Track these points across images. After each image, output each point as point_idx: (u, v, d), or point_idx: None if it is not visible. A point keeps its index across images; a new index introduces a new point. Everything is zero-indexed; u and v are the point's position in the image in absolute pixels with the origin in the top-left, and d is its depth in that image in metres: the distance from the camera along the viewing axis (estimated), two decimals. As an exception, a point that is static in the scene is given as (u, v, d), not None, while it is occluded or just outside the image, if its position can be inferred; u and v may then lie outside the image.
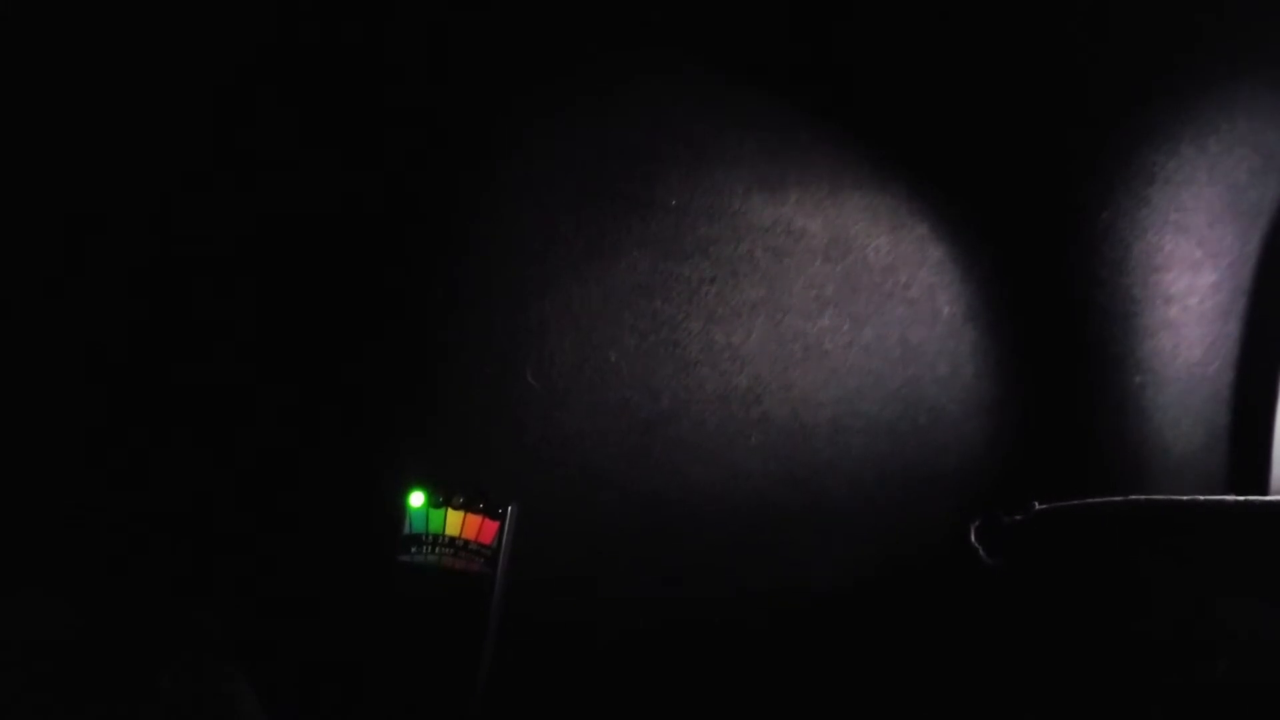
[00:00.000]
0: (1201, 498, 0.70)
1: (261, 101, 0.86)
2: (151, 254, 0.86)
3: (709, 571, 0.86)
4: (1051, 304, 0.90)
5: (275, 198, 0.86)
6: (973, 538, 0.80)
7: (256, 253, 0.86)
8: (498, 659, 0.81)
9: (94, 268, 0.85)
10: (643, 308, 0.86)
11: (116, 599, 0.81)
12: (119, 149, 0.84)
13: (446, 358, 0.84)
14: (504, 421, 0.84)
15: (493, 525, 0.82)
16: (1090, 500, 0.75)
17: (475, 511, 0.82)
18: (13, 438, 0.84)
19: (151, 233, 0.86)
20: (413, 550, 0.81)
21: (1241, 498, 0.69)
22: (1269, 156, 0.87)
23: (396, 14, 0.85)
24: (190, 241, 0.86)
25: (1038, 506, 0.78)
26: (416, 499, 0.82)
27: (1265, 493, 0.90)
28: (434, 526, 0.82)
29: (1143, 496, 0.73)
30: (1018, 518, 0.79)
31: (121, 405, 0.85)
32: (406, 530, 0.82)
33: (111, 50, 0.82)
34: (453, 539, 0.81)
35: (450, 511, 0.82)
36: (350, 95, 0.85)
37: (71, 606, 0.79)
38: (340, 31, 0.85)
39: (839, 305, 0.88)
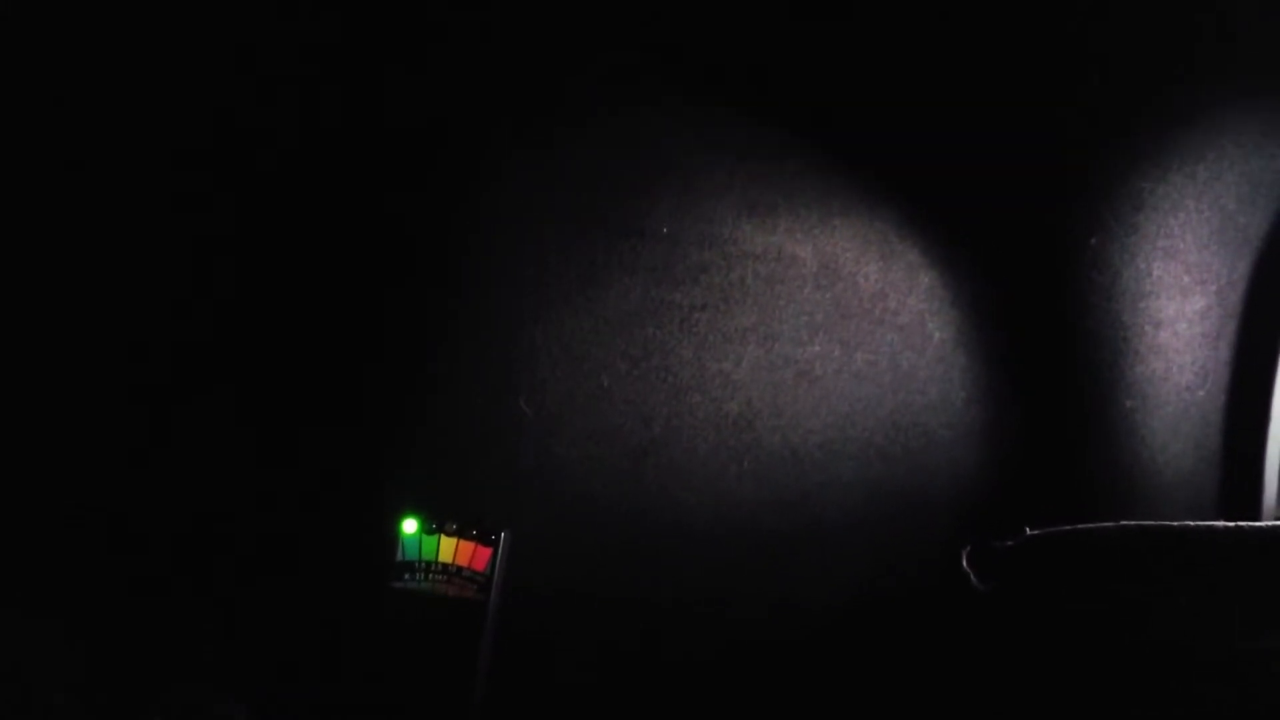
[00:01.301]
0: (1193, 523, 0.70)
1: (255, 128, 0.86)
2: (150, 270, 0.86)
3: (702, 596, 0.86)
4: (1041, 329, 0.90)
5: (268, 224, 0.87)
6: (964, 563, 0.80)
7: (251, 277, 0.86)
8: (491, 685, 0.81)
9: (95, 275, 0.85)
10: (635, 335, 0.86)
11: (113, 626, 0.81)
12: (112, 159, 0.85)
13: (439, 385, 0.85)
14: (497, 448, 0.85)
15: (486, 552, 0.82)
16: (1082, 526, 0.75)
17: (468, 538, 0.82)
18: (12, 440, 0.84)
19: (149, 247, 0.86)
20: (406, 577, 0.82)
21: (1233, 523, 0.69)
22: (1257, 183, 0.87)
23: (388, 44, 0.86)
24: (186, 262, 0.86)
25: (1029, 532, 0.78)
26: (410, 525, 0.82)
27: (1257, 517, 0.90)
28: (427, 553, 0.82)
29: (1134, 522, 0.73)
30: (1009, 543, 0.78)
31: (114, 425, 0.85)
32: (400, 557, 0.82)
33: (106, 53, 0.83)
34: (446, 565, 0.82)
35: (443, 538, 0.82)
36: (341, 126, 0.86)
37: (68, 632, 0.79)
38: (331, 61, 0.86)
39: (829, 331, 0.89)
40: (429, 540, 0.82)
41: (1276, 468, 0.91)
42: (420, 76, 0.87)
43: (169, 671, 0.79)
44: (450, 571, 0.81)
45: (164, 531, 0.86)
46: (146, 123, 0.85)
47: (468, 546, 0.82)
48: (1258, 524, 0.70)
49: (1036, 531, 0.77)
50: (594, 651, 0.85)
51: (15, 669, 0.73)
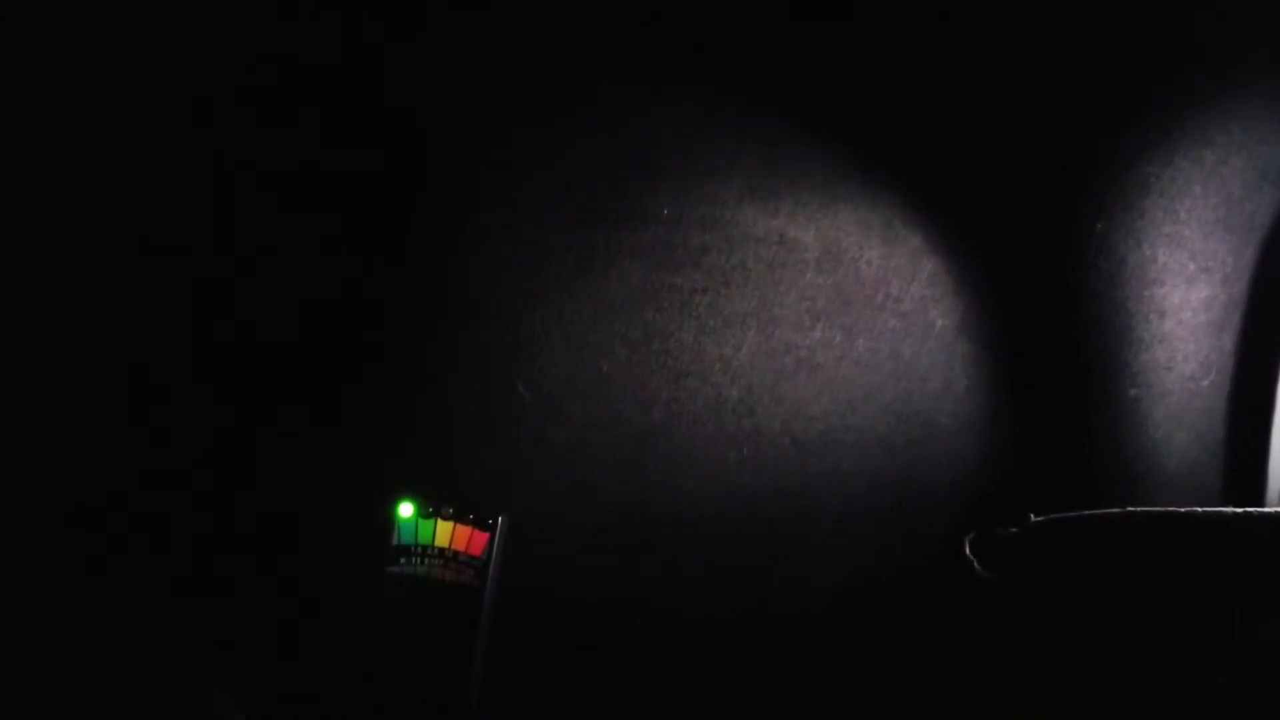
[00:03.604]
0: (1199, 509, 0.69)
1: (248, 120, 0.86)
2: (145, 264, 0.86)
3: (700, 584, 0.86)
4: (1045, 317, 0.89)
5: (265, 214, 0.86)
6: (968, 551, 0.79)
7: (248, 267, 0.86)
8: (488, 671, 0.80)
9: (93, 275, 0.85)
10: (634, 319, 0.85)
11: (103, 615, 0.81)
12: (109, 155, 0.84)
13: (438, 369, 0.84)
14: (495, 433, 0.84)
15: (482, 536, 0.81)
16: (1086, 512, 0.75)
17: (465, 522, 0.81)
18: (10, 443, 0.84)
19: (145, 241, 0.86)
20: (402, 561, 0.81)
21: (1241, 509, 0.68)
22: (1264, 169, 0.87)
23: (384, 29, 0.85)
24: (181, 254, 0.86)
25: (1033, 519, 0.77)
26: (406, 510, 0.81)
27: (1261, 506, 0.89)
28: (423, 537, 0.81)
29: (1139, 508, 0.73)
30: (1013, 530, 0.78)
31: (110, 418, 0.85)
32: (395, 541, 0.81)
33: (96, 58, 0.83)
34: (442, 550, 0.81)
35: (440, 522, 0.81)
36: (338, 111, 0.86)
37: (58, 622, 0.79)
38: (326, 49, 0.85)
39: (831, 318, 0.88)
40: (425, 524, 0.81)
41: (1281, 457, 0.90)
42: (420, 60, 0.86)
43: (163, 662, 0.78)
44: (447, 556, 0.81)
45: (157, 520, 0.85)
46: (143, 117, 0.85)
47: (464, 531, 0.81)
48: (1265, 510, 0.69)
49: (1040, 519, 0.77)
50: (591, 637, 0.84)
51: (9, 664, 0.72)
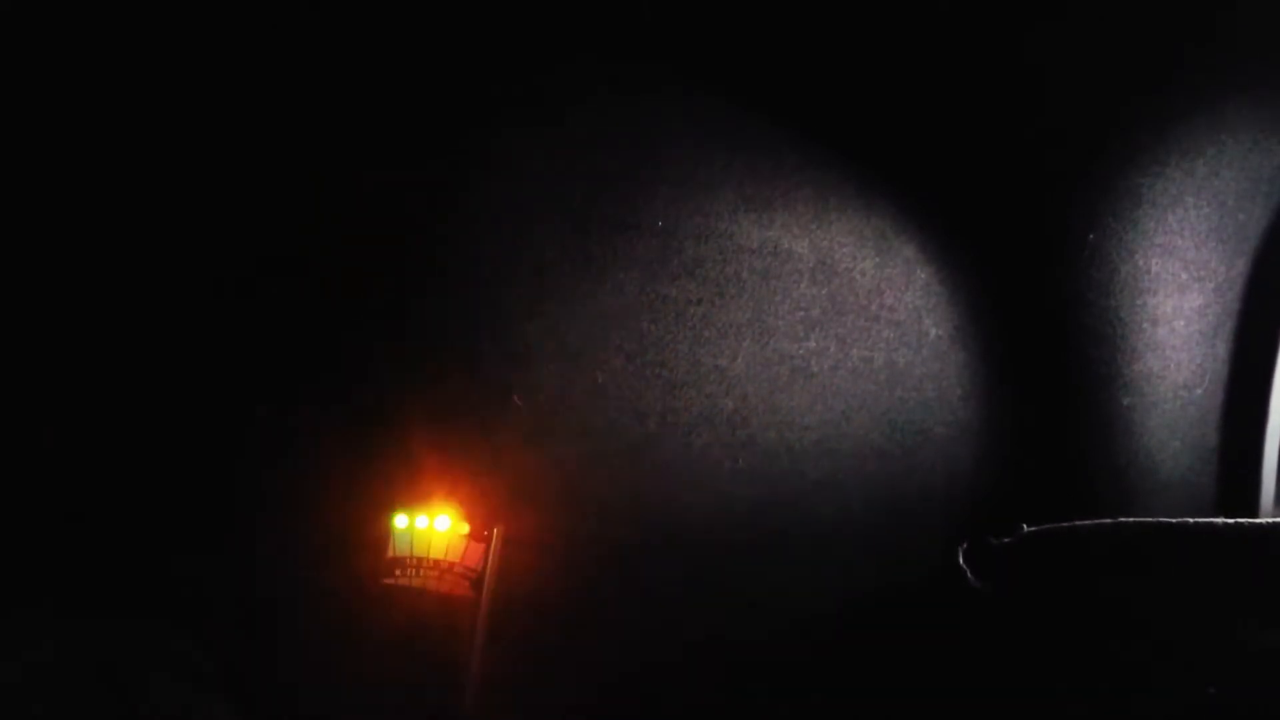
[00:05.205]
0: (1191, 520, 0.70)
1: (242, 122, 0.86)
2: (142, 266, 0.86)
3: (696, 594, 0.86)
4: (1038, 326, 0.89)
5: (257, 221, 0.86)
6: (960, 560, 0.79)
7: (238, 275, 0.86)
8: (483, 681, 0.81)
9: (91, 279, 0.85)
10: (630, 329, 0.85)
11: (102, 623, 0.81)
12: (107, 150, 0.84)
13: (432, 380, 0.84)
14: (490, 443, 0.84)
15: (479, 547, 0.81)
16: (1079, 523, 0.75)
17: (461, 534, 0.81)
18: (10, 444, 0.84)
19: (142, 242, 0.86)
20: (397, 573, 0.81)
21: (1232, 520, 0.68)
22: (1255, 179, 0.87)
23: (376, 36, 0.85)
24: (176, 258, 0.86)
25: (1026, 529, 0.77)
26: (401, 520, 0.81)
27: (1255, 516, 0.89)
28: (419, 548, 0.81)
29: (1132, 519, 0.73)
30: (1006, 540, 0.78)
31: (103, 422, 0.85)
32: (391, 553, 0.81)
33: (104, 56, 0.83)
34: (437, 561, 0.81)
35: (435, 534, 0.81)
36: (333, 116, 0.86)
37: (57, 629, 0.79)
38: (322, 54, 0.85)
39: (825, 327, 0.88)
40: (420, 535, 0.81)
41: (1274, 466, 0.90)
42: (413, 66, 0.86)
43: (150, 669, 0.78)
44: (442, 567, 0.81)
45: (155, 529, 0.85)
46: (137, 119, 0.85)
47: (460, 542, 0.81)
48: (1257, 520, 0.69)
49: (1033, 529, 0.77)
50: (587, 646, 0.84)
51: (6, 670, 0.72)
